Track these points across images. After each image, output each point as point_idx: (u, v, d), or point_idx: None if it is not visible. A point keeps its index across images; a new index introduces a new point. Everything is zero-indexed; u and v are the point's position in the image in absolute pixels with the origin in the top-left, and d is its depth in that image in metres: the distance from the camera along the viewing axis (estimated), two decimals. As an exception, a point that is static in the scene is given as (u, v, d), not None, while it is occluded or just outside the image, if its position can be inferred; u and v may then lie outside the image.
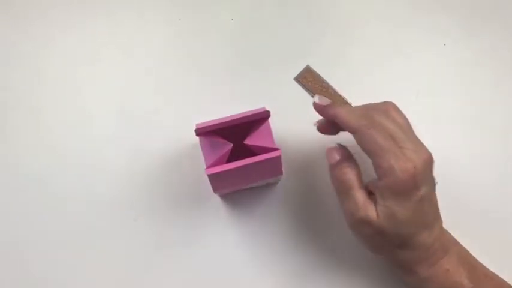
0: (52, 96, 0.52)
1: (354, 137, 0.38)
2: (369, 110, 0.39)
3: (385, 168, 0.36)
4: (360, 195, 0.38)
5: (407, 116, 0.50)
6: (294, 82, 0.52)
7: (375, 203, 0.38)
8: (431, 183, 0.38)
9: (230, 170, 0.38)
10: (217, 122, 0.40)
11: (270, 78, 0.52)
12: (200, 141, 0.41)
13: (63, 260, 0.47)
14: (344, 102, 0.51)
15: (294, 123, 0.50)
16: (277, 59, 0.53)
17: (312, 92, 0.51)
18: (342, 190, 0.39)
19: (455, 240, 0.42)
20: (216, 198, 0.48)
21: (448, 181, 0.49)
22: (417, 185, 0.36)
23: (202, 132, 0.40)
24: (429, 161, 0.37)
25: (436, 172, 0.49)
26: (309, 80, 0.52)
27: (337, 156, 0.40)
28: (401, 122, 0.39)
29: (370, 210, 0.37)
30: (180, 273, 0.47)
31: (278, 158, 0.39)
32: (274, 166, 0.40)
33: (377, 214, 0.37)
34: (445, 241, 0.40)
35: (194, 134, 0.40)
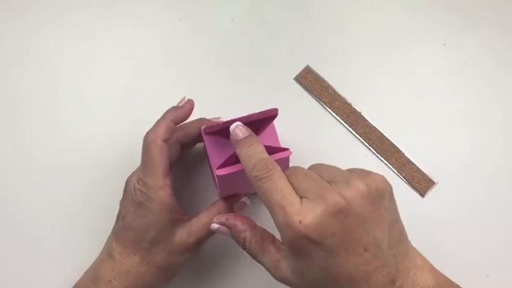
0: (51, 96, 0.51)
1: None
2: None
3: (275, 225, 0.32)
4: (270, 253, 0.34)
5: (407, 116, 0.51)
6: (294, 82, 0.52)
7: (285, 257, 0.33)
8: (353, 230, 0.30)
9: (241, 170, 0.37)
10: (224, 121, 0.39)
11: (270, 78, 0.52)
12: (205, 140, 0.40)
13: (63, 260, 0.47)
14: (344, 102, 0.51)
15: (294, 123, 0.50)
16: (277, 59, 0.52)
17: (312, 92, 0.51)
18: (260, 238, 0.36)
19: (438, 285, 0.34)
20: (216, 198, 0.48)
21: (448, 181, 0.49)
22: (312, 239, 0.30)
23: (209, 131, 0.39)
24: (338, 206, 0.30)
25: (436, 172, 0.49)
26: (309, 80, 0.52)
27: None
28: (327, 169, 0.34)
29: (282, 271, 0.33)
30: (180, 272, 0.47)
31: (288, 158, 0.38)
32: (282, 167, 0.39)
33: (291, 271, 0.33)
34: None
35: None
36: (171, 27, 0.54)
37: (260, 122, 0.40)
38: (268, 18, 0.54)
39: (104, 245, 0.42)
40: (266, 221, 0.48)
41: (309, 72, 0.52)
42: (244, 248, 0.36)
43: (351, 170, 0.34)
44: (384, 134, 0.50)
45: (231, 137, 0.37)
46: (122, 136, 0.50)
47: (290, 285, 0.34)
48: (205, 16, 0.54)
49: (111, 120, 0.51)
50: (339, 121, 0.50)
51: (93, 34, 0.54)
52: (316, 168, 0.35)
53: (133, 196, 0.39)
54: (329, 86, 0.51)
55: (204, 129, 0.40)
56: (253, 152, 0.34)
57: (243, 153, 0.35)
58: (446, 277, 0.35)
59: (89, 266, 0.41)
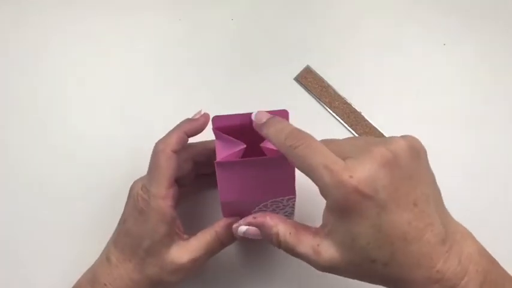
0: (51, 96, 0.52)
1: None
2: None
3: (320, 189, 0.31)
4: (308, 240, 0.33)
5: (407, 116, 0.51)
6: (294, 82, 0.52)
7: (329, 232, 0.32)
8: (402, 183, 0.30)
9: (240, 163, 0.36)
10: (236, 119, 0.38)
11: (270, 78, 0.52)
12: (215, 135, 0.39)
13: (63, 263, 0.47)
14: (344, 102, 0.51)
15: (294, 123, 0.49)
16: (277, 59, 0.52)
17: (312, 92, 0.51)
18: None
19: (480, 256, 0.32)
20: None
21: (448, 181, 0.49)
22: (364, 193, 0.29)
23: (220, 128, 0.38)
24: (387, 158, 0.30)
25: (436, 172, 0.49)
26: (309, 80, 0.52)
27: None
28: (356, 137, 0.34)
29: (325, 253, 0.32)
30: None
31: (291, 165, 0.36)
32: (286, 177, 0.37)
33: (336, 249, 0.31)
34: (460, 259, 0.30)
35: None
36: (171, 27, 0.54)
37: None
38: (268, 18, 0.54)
39: (104, 247, 0.42)
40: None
41: (309, 72, 0.52)
42: (279, 244, 0.34)
43: (381, 138, 0.34)
44: (384, 134, 0.50)
45: (254, 124, 0.36)
46: (122, 137, 0.50)
47: (335, 269, 0.32)
48: (205, 16, 0.54)
49: (110, 120, 0.51)
50: (339, 121, 0.50)
51: (93, 34, 0.54)
52: (344, 139, 0.34)
53: (136, 202, 0.38)
54: (329, 86, 0.51)
55: (214, 119, 0.38)
56: (281, 127, 0.34)
57: (270, 132, 0.34)
58: (485, 249, 0.34)
59: (89, 267, 0.41)
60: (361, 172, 0.29)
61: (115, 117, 0.51)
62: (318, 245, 0.32)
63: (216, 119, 0.39)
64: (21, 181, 0.49)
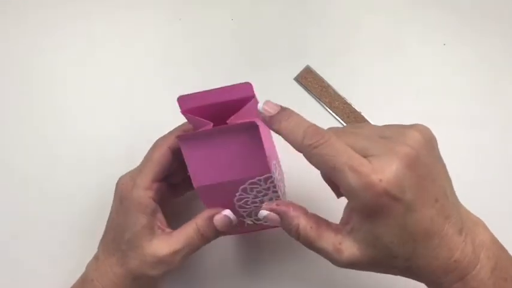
0: (50, 96, 0.52)
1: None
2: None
3: (346, 190, 0.30)
4: (329, 237, 0.32)
5: (407, 116, 0.51)
6: (294, 82, 0.52)
7: (351, 230, 0.32)
8: (425, 180, 0.30)
9: (203, 134, 0.34)
10: (203, 97, 0.36)
11: (270, 78, 0.52)
12: (185, 118, 0.38)
13: (63, 262, 0.47)
14: (344, 103, 0.51)
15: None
16: (277, 59, 0.52)
17: (312, 92, 0.51)
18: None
19: (491, 243, 0.32)
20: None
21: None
22: (394, 195, 0.29)
23: (188, 109, 0.36)
24: (410, 157, 0.29)
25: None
26: (309, 80, 0.52)
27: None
28: (366, 127, 0.33)
29: (346, 251, 0.31)
30: (179, 273, 0.47)
31: (256, 130, 0.34)
32: (255, 149, 0.34)
33: (358, 247, 0.31)
34: (474, 247, 0.31)
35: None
36: (171, 27, 0.54)
37: (239, 102, 0.36)
38: (268, 18, 0.54)
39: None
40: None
41: (309, 72, 0.52)
42: (298, 236, 0.33)
43: (388, 126, 0.33)
44: (384, 134, 0.50)
45: (261, 116, 0.34)
46: (121, 137, 0.50)
47: (355, 266, 0.32)
48: (205, 16, 0.54)
49: (109, 120, 0.51)
50: (339, 121, 0.50)
51: (93, 34, 0.54)
52: (355, 127, 0.33)
53: (120, 193, 0.39)
54: (329, 86, 0.51)
55: (180, 100, 0.37)
56: (295, 123, 0.32)
57: (283, 127, 0.32)
58: (496, 238, 0.34)
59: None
60: (389, 174, 0.29)
61: (114, 117, 0.51)
62: (340, 243, 0.32)
63: (182, 100, 0.37)
64: (19, 181, 0.49)
